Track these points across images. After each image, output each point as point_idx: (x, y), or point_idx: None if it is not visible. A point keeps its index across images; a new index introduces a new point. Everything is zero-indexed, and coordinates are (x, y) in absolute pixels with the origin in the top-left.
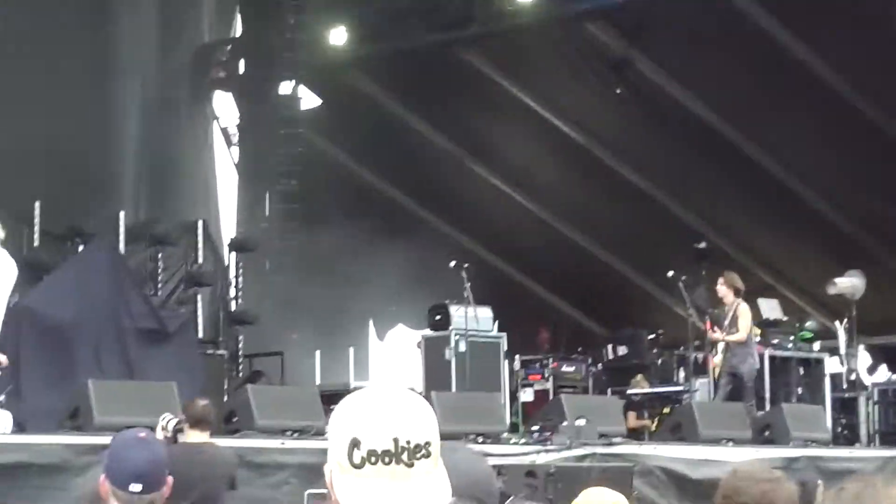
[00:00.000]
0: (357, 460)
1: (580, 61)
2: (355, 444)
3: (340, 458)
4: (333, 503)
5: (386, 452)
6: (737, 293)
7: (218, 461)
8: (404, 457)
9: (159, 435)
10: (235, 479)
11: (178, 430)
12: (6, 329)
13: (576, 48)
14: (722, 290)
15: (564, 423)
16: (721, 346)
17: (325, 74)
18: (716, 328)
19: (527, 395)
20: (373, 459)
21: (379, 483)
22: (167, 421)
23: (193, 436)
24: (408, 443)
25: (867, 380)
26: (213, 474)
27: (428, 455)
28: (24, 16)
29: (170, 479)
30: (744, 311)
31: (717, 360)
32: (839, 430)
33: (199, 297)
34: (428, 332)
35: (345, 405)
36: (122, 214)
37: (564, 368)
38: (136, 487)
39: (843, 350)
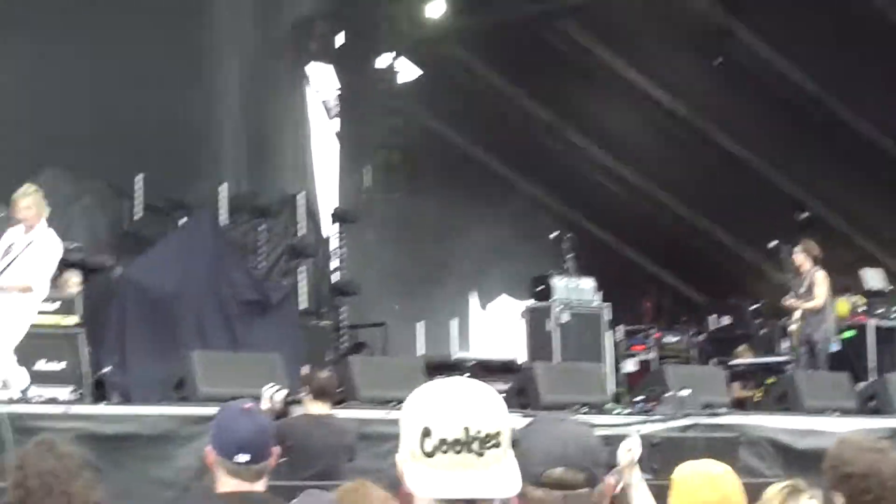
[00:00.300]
0: (428, 449)
1: (679, 31)
2: (426, 432)
3: (412, 447)
4: (404, 492)
5: (456, 441)
6: (814, 261)
7: (340, 432)
8: (475, 446)
9: (264, 406)
10: (355, 451)
11: (290, 402)
12: (112, 302)
13: (675, 18)
14: (799, 257)
15: (668, 394)
16: (797, 314)
17: (423, 46)
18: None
19: (630, 366)
20: (444, 448)
21: (449, 471)
22: (274, 392)
23: (315, 407)
24: (478, 432)
25: None
26: (335, 446)
27: (498, 445)
28: None
29: (276, 449)
30: (820, 278)
31: (793, 328)
32: None
33: (301, 268)
34: (531, 302)
35: (417, 394)
36: (223, 187)
37: (667, 339)
38: (242, 458)
39: None
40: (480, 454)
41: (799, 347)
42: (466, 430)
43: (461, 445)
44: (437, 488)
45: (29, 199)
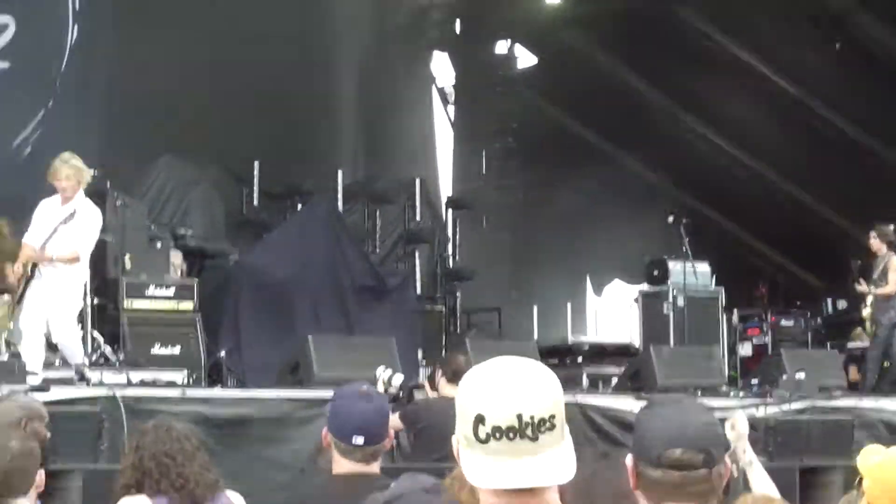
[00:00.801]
0: (482, 436)
1: (797, 15)
2: (480, 419)
3: (466, 432)
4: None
5: (510, 428)
6: (890, 246)
7: None
8: (528, 431)
9: (379, 388)
10: None
11: (413, 387)
12: (228, 287)
13: (794, 2)
14: (875, 242)
15: (784, 377)
16: (869, 299)
17: (540, 33)
18: (862, 280)
19: (745, 349)
20: (497, 435)
21: (504, 458)
22: (391, 376)
23: (450, 389)
24: (531, 418)
25: None
26: None
27: (552, 427)
28: None
29: (392, 431)
30: (894, 263)
31: (865, 313)
32: None
33: (416, 254)
34: (645, 287)
35: (470, 379)
36: (340, 173)
37: (783, 322)
38: (358, 440)
39: None
40: (535, 439)
41: (873, 331)
42: (520, 416)
43: (515, 432)
44: (494, 478)
45: (69, 169)
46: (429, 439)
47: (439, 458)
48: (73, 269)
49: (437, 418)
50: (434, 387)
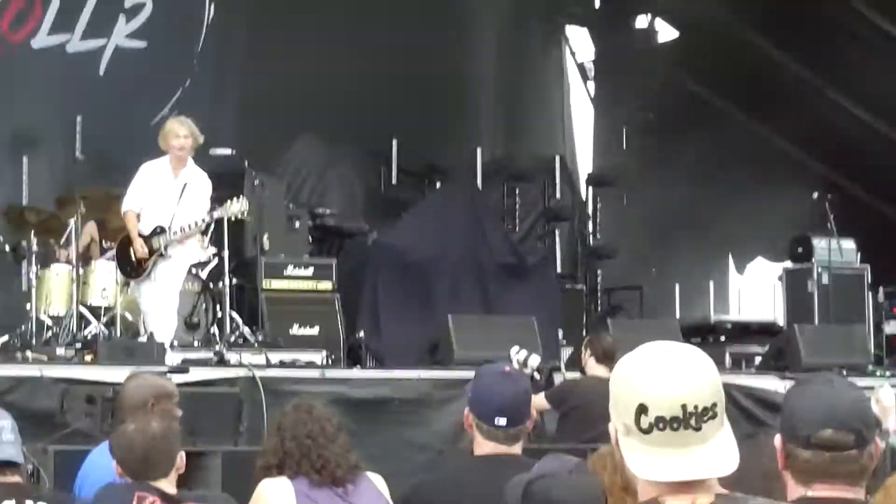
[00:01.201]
0: (645, 426)
1: None
2: (643, 409)
3: (626, 420)
4: (620, 461)
5: (674, 419)
6: None
7: None
8: (692, 421)
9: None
10: None
11: (552, 370)
12: (367, 267)
13: None
14: None
15: None
16: None
17: (681, 6)
18: None
19: (891, 328)
20: (661, 426)
21: (667, 448)
22: (527, 357)
23: (599, 370)
24: (695, 407)
25: None
26: None
27: (714, 416)
28: None
29: (534, 412)
30: None
31: None
32: None
33: (556, 232)
34: (789, 264)
35: (628, 366)
36: (479, 151)
37: None
38: (501, 421)
39: None
40: (698, 429)
41: None
42: (684, 406)
43: (679, 423)
44: (659, 470)
45: (188, 129)
46: (578, 420)
47: (588, 440)
48: (193, 245)
49: (587, 398)
50: (580, 367)
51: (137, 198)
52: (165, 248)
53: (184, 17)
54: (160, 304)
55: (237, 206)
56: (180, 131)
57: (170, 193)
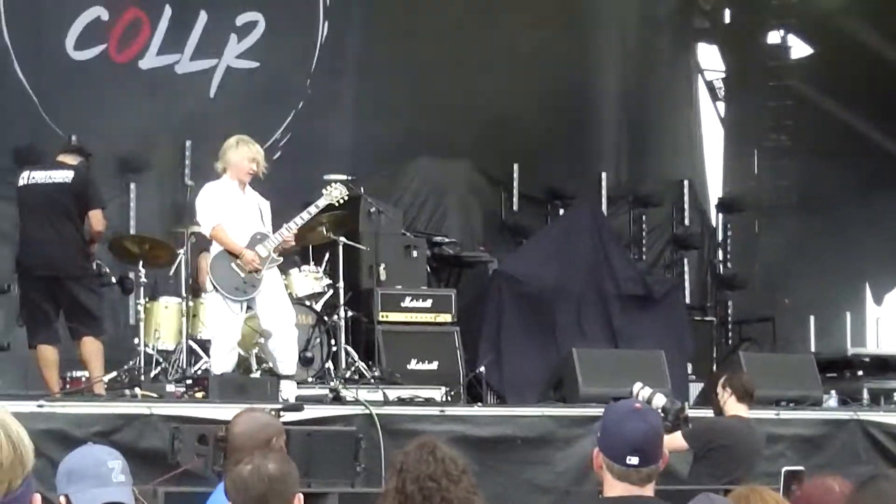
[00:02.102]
0: None
1: None
2: None
3: None
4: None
5: None
6: None
7: (759, 436)
8: None
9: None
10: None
11: (680, 410)
12: (487, 297)
13: None
14: None
15: None
16: None
17: (816, 21)
18: None
19: None
20: None
21: None
22: (649, 395)
23: (740, 409)
24: None
25: None
26: (755, 449)
27: None
28: None
29: (666, 453)
30: None
31: None
32: None
33: (685, 260)
34: None
35: None
36: (603, 175)
37: None
38: (633, 460)
39: None
40: None
41: None
42: None
43: None
44: None
45: (256, 148)
46: (718, 461)
47: (728, 481)
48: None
49: (730, 439)
50: (715, 404)
51: (218, 214)
52: (277, 252)
53: (297, 35)
54: (283, 315)
55: (338, 192)
56: (258, 156)
57: (246, 210)
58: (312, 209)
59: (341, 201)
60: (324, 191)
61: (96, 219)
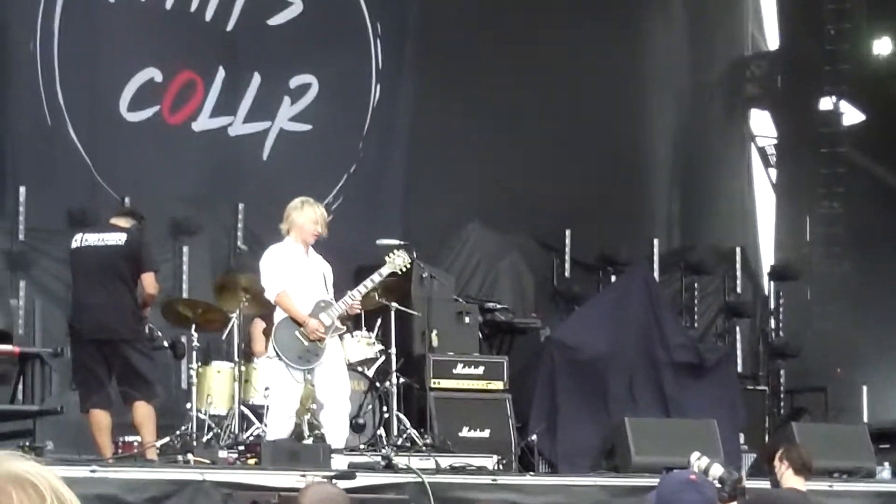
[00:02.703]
0: None
1: None
2: None
3: None
4: None
5: None
6: None
7: None
8: None
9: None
10: None
11: (737, 481)
12: (539, 364)
13: None
14: None
15: None
16: None
17: (868, 87)
18: None
19: None
20: None
21: None
22: (707, 465)
23: (797, 482)
24: None
25: None
26: None
27: None
28: (551, 31)
29: None
30: None
31: None
32: None
33: (737, 328)
34: None
35: None
36: (655, 242)
37: None
38: None
39: None
40: None
41: None
42: None
43: None
44: None
45: (321, 209)
46: None
47: None
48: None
49: None
50: (771, 475)
51: (283, 279)
52: (340, 320)
53: (350, 98)
54: (339, 388)
55: (401, 260)
56: (322, 218)
57: (310, 274)
58: (376, 277)
59: (404, 269)
60: (386, 258)
61: (149, 282)
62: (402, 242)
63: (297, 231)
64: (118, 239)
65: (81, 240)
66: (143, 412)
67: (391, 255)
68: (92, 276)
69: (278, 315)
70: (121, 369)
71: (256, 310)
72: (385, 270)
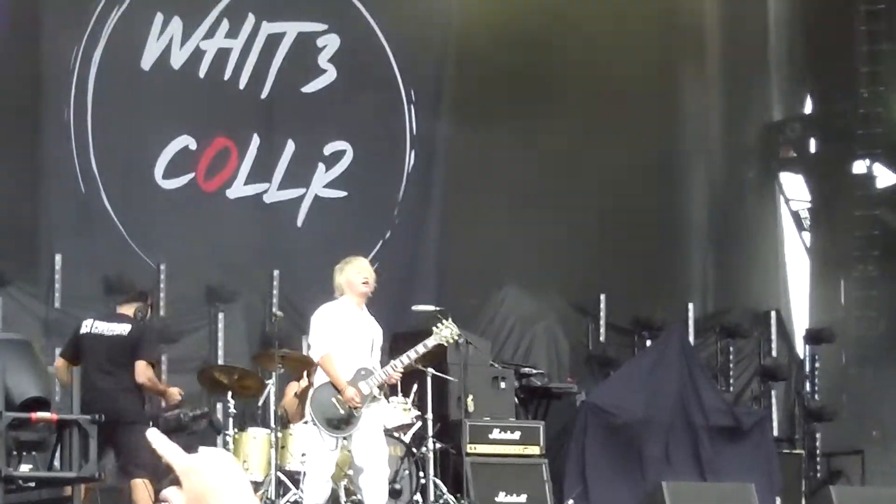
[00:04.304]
0: None
1: None
2: None
3: None
4: None
5: None
6: None
7: None
8: None
9: None
10: None
11: None
12: (575, 429)
13: None
14: None
15: None
16: None
17: None
18: None
19: None
20: None
21: None
22: None
23: None
24: None
25: None
26: None
27: None
28: (585, 97)
29: None
30: None
31: None
32: None
33: (772, 391)
34: None
35: None
36: (690, 305)
37: None
38: None
39: None
40: None
41: None
42: None
43: None
44: None
45: (362, 261)
46: None
47: None
48: (397, 408)
49: None
50: None
51: (329, 341)
52: (379, 389)
53: (385, 164)
54: (377, 453)
55: (448, 332)
56: (365, 269)
57: (359, 334)
58: (420, 349)
59: (451, 341)
60: (434, 328)
61: (140, 370)
62: (438, 308)
63: (348, 289)
64: (123, 329)
65: (91, 326)
66: (141, 492)
67: (439, 325)
68: (99, 362)
69: (319, 378)
70: (123, 447)
71: (292, 376)
72: (431, 342)
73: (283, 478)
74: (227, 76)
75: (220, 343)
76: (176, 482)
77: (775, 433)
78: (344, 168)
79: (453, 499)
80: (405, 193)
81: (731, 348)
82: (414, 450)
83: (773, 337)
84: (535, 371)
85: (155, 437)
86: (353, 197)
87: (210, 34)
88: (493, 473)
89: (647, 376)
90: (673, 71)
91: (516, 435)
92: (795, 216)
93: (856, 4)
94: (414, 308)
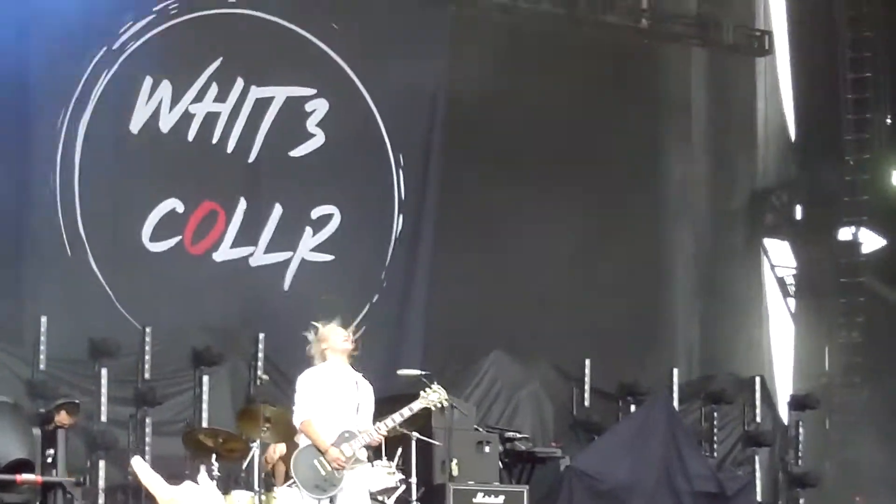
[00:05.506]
0: None
1: None
2: None
3: None
4: None
5: None
6: None
7: None
8: None
9: None
10: None
11: None
12: (560, 494)
13: None
14: None
15: None
16: None
17: (889, 217)
18: None
19: None
20: None
21: None
22: None
23: None
24: None
25: None
26: None
27: None
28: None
29: None
30: None
31: None
32: None
33: (756, 457)
34: None
35: None
36: (675, 371)
37: None
38: None
39: None
40: None
41: None
42: None
43: None
44: None
45: (336, 321)
46: None
47: None
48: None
49: None
50: None
51: (310, 406)
52: (364, 450)
53: (373, 228)
54: None
55: (436, 396)
56: (341, 327)
57: (342, 397)
58: (406, 412)
59: (439, 406)
60: (422, 393)
61: None
62: (424, 372)
63: (329, 348)
64: None
65: None
66: None
67: (426, 390)
68: None
69: (303, 440)
70: None
71: (277, 438)
72: (417, 405)
73: None
74: (215, 140)
75: (205, 406)
76: None
77: (759, 499)
78: (331, 232)
79: None
80: (392, 257)
81: (716, 414)
82: None
83: (758, 403)
84: (519, 436)
85: (139, 466)
86: (340, 261)
87: (199, 98)
88: None
89: (632, 441)
90: (660, 137)
91: (500, 499)
92: (780, 282)
93: (842, 73)
94: (399, 372)
